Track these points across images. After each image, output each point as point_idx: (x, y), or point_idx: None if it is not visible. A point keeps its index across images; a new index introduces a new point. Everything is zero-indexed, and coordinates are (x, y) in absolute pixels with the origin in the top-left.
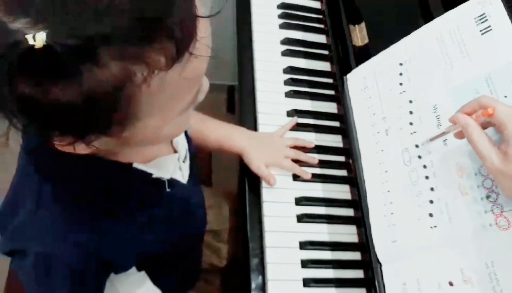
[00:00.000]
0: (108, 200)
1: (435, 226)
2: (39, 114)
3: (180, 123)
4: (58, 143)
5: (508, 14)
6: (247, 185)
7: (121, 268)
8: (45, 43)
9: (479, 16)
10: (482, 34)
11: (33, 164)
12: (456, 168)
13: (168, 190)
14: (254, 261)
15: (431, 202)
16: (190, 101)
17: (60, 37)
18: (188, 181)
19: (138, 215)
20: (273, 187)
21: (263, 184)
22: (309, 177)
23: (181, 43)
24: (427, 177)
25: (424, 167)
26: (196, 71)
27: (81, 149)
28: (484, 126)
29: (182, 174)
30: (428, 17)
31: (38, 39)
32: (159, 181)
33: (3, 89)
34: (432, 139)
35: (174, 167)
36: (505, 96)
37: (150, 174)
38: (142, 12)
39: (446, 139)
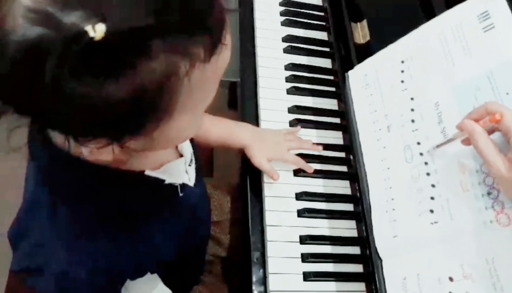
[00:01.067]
0: (123, 211)
1: (436, 222)
2: (91, 115)
3: (197, 123)
4: (93, 146)
5: None
6: (249, 180)
7: (138, 275)
8: (103, 35)
9: (482, 14)
10: (484, 31)
11: (47, 184)
12: (457, 165)
13: (181, 194)
14: (255, 255)
15: (432, 198)
16: (212, 98)
17: (116, 29)
18: (195, 184)
19: (152, 222)
20: (274, 182)
21: (265, 179)
22: (312, 171)
23: (217, 35)
24: (428, 174)
25: (426, 163)
26: (225, 62)
27: (113, 151)
28: (490, 132)
29: (189, 177)
30: (430, 15)
31: (98, 30)
32: (171, 187)
33: (60, 89)
34: (438, 146)
35: (182, 171)
36: (507, 93)
37: (163, 180)
38: (190, 5)
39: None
